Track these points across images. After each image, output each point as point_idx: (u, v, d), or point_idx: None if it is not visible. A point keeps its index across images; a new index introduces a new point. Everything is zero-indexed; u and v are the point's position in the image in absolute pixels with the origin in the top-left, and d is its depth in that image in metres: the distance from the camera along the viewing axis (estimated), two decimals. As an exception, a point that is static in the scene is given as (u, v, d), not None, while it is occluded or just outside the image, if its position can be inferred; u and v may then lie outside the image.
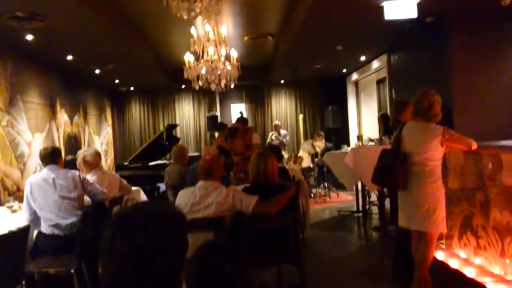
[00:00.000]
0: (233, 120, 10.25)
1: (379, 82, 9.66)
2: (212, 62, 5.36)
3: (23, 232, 3.50)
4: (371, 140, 6.88)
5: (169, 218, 1.06)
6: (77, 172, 3.84)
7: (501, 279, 3.11)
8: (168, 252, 1.00)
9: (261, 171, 3.40)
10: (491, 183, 3.27)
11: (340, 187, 8.69)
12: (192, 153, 9.32)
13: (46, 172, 3.68)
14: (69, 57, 6.96)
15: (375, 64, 8.85)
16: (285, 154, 9.22)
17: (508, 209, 3.05)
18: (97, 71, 8.14)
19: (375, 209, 6.65)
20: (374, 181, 3.53)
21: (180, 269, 1.05)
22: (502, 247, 3.13)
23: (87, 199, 3.89)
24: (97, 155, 4.59)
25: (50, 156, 3.75)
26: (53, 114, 7.51)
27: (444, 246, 3.93)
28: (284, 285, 3.70)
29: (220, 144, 7.74)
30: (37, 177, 3.70)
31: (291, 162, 8.67)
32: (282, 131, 9.98)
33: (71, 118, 8.34)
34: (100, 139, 10.05)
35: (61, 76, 7.96)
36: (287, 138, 10.04)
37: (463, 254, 3.68)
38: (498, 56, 5.52)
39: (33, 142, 6.66)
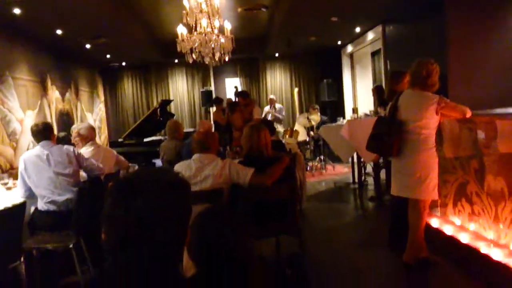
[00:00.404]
0: (228, 95, 10.20)
1: (374, 54, 9.58)
2: (205, 35, 5.26)
3: (19, 208, 3.49)
4: (366, 115, 6.87)
5: (171, 184, 1.04)
6: (71, 148, 3.80)
7: (495, 244, 3.16)
8: (170, 217, 0.99)
9: (254, 144, 3.41)
10: (485, 150, 3.28)
11: (336, 159, 8.73)
12: (187, 128, 9.29)
13: (39, 149, 3.63)
14: (59, 32, 6.82)
15: (370, 35, 8.75)
16: (281, 129, 9.22)
17: (502, 175, 3.07)
18: (88, 46, 7.99)
19: (370, 180, 6.71)
20: (368, 148, 3.54)
21: (183, 235, 1.03)
22: (496, 213, 3.17)
23: (83, 174, 3.87)
24: (91, 128, 4.56)
25: (42, 132, 3.68)
26: (44, 91, 7.41)
27: (439, 214, 3.98)
28: (283, 256, 3.75)
29: (215, 119, 7.72)
30: (31, 154, 3.65)
31: (287, 136, 8.66)
32: (277, 105, 9.92)
33: (62, 94, 8.23)
34: (93, 116, 9.96)
35: (51, 52, 7.82)
36: (283, 112, 9.98)
37: (457, 221, 3.72)
38: (494, 26, 5.47)
39: (24, 120, 6.59)
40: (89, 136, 4.35)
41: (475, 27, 5.43)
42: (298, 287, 3.26)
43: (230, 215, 1.46)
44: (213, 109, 11.00)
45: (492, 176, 3.19)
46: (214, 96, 10.87)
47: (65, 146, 3.75)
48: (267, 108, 9.90)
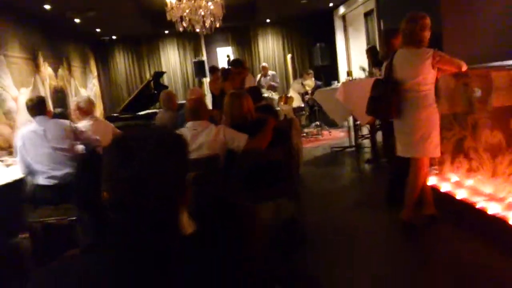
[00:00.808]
0: (221, 65, 10.07)
1: (367, 14, 9.42)
2: (194, 1, 5.16)
3: (19, 182, 3.50)
4: (363, 68, 6.80)
5: (168, 139, 1.04)
6: (67, 122, 3.78)
7: (492, 198, 3.20)
8: (168, 173, 1.00)
9: (236, 111, 3.40)
10: (481, 105, 3.29)
11: (331, 124, 8.74)
12: (181, 100, 9.22)
13: (35, 125, 3.60)
14: (46, 6, 6.65)
15: (363, -5, 8.59)
16: (276, 96, 9.17)
17: (499, 129, 3.09)
18: (77, 20, 7.83)
19: (367, 143, 6.74)
20: (368, 111, 3.54)
21: (182, 192, 1.04)
22: (494, 167, 3.21)
23: (80, 148, 3.86)
24: (90, 101, 4.53)
25: (36, 107, 3.64)
26: (36, 68, 7.30)
27: (436, 171, 4.02)
28: (281, 220, 3.80)
29: (210, 89, 7.64)
30: (27, 130, 3.63)
31: (282, 103, 8.63)
32: (270, 72, 9.81)
33: (55, 71, 8.12)
34: (86, 91, 9.86)
35: (41, 28, 7.66)
36: (277, 79, 9.88)
37: (455, 178, 3.76)
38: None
39: (19, 97, 6.52)
40: (88, 109, 4.33)
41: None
42: (296, 250, 3.33)
43: (223, 181, 1.47)
44: (206, 80, 10.92)
45: (489, 130, 3.21)
46: (206, 66, 10.76)
47: (61, 120, 3.73)
48: (259, 76, 9.80)
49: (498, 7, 5.28)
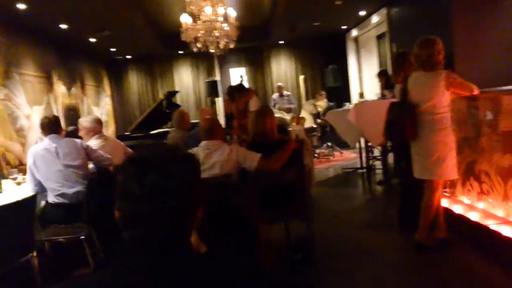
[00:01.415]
0: (233, 84, 10.16)
1: (379, 37, 9.48)
2: (210, 23, 5.25)
3: (30, 201, 3.52)
4: (361, 95, 6.80)
5: (181, 157, 1.06)
6: (79, 140, 3.83)
7: (504, 221, 3.15)
8: (183, 190, 1.01)
9: (259, 129, 3.41)
10: (491, 129, 3.26)
11: (343, 145, 8.71)
12: (193, 119, 9.29)
13: (47, 142, 3.65)
14: (63, 26, 6.84)
15: (375, 18, 8.66)
16: (288, 116, 9.18)
17: (510, 152, 3.05)
18: (92, 40, 8.01)
19: (378, 164, 6.69)
20: (386, 136, 3.55)
21: (196, 208, 1.06)
22: (505, 190, 3.16)
23: (90, 166, 3.90)
24: (96, 121, 4.55)
25: (51, 125, 3.70)
26: (50, 86, 7.45)
27: (448, 194, 3.97)
28: (293, 240, 3.77)
29: (225, 110, 7.74)
30: (39, 148, 3.67)
31: (294, 124, 8.65)
32: (286, 93, 9.82)
33: (68, 89, 8.28)
34: (99, 110, 10.01)
35: (56, 47, 7.85)
36: (294, 100, 9.84)
37: (467, 200, 3.71)
38: (499, 3, 5.38)
39: (31, 115, 6.64)
40: (92, 128, 4.34)
41: (480, 5, 5.35)
42: (307, 270, 3.29)
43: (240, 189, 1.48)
44: (219, 99, 11.02)
45: (500, 153, 3.18)
46: (219, 86, 10.87)
47: (73, 139, 3.78)
48: (275, 96, 9.83)
49: (508, 30, 5.29)
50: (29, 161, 3.63)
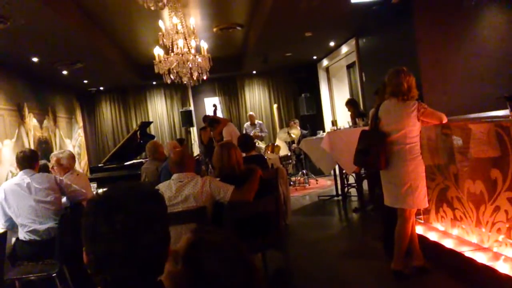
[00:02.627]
0: (208, 113, 10.21)
1: (349, 66, 9.77)
2: (182, 55, 5.29)
3: (0, 239, 3.40)
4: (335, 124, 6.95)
5: (147, 194, 1.08)
6: (53, 176, 3.75)
7: (478, 247, 3.21)
8: (152, 226, 1.02)
9: (225, 162, 3.46)
10: (462, 156, 3.37)
11: (318, 173, 8.80)
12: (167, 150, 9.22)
13: (20, 177, 3.58)
14: (34, 59, 6.75)
15: (344, 49, 8.93)
16: (262, 145, 9.26)
17: (481, 179, 3.15)
18: (65, 72, 7.93)
19: (353, 191, 6.77)
20: (356, 163, 3.58)
21: (166, 244, 1.05)
22: (477, 217, 3.24)
23: (64, 200, 3.81)
24: (72, 157, 4.53)
25: (27, 160, 3.65)
26: (21, 119, 7.29)
27: (422, 221, 4.03)
28: (270, 271, 3.73)
29: (203, 139, 7.80)
30: (11, 183, 3.60)
31: (269, 152, 8.71)
32: (257, 122, 9.96)
33: (40, 122, 8.11)
34: (72, 142, 9.82)
35: (27, 79, 7.72)
36: (265, 129, 10.01)
37: (441, 227, 3.78)
38: (463, 32, 5.62)
39: (2, 149, 6.46)
40: (68, 166, 4.32)
41: (444, 33, 5.58)
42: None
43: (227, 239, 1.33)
44: (193, 129, 11.01)
45: (471, 180, 3.27)
46: (194, 115, 10.88)
47: (47, 174, 3.71)
48: (246, 125, 9.93)
49: (473, 58, 5.54)
50: (0, 196, 3.53)
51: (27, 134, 7.39)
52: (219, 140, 6.69)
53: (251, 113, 10.18)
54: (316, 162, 6.98)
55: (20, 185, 3.51)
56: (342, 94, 10.38)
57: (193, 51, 5.53)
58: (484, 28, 5.55)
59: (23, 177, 3.56)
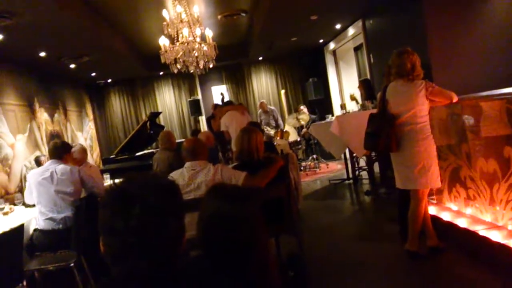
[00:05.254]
0: (215, 101, 10.21)
1: (357, 49, 9.66)
2: (187, 44, 5.28)
3: (17, 231, 3.48)
4: (354, 98, 6.84)
5: (162, 185, 1.07)
6: (77, 168, 3.84)
7: (492, 226, 3.20)
8: (168, 219, 1.02)
9: (245, 147, 3.41)
10: (474, 135, 3.33)
11: (328, 157, 8.78)
12: (178, 139, 9.27)
13: (46, 166, 3.74)
14: (42, 54, 6.79)
15: (351, 31, 8.83)
16: (272, 131, 9.24)
17: (494, 157, 3.12)
18: (72, 66, 7.97)
19: (365, 174, 6.76)
20: (366, 146, 3.56)
21: (182, 236, 1.06)
22: (491, 195, 3.21)
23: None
24: (83, 151, 4.65)
25: (54, 151, 3.81)
26: (32, 114, 7.37)
27: (435, 201, 4.02)
28: (283, 257, 3.75)
29: (213, 127, 7.77)
30: (37, 171, 3.77)
31: (278, 138, 8.70)
32: (269, 107, 9.85)
33: (51, 116, 8.19)
34: (83, 134, 9.92)
35: (37, 75, 7.79)
36: (277, 114, 9.84)
37: (454, 207, 3.76)
38: (472, 11, 5.54)
39: (16, 144, 6.55)
40: (81, 159, 4.46)
41: (453, 14, 5.50)
42: (299, 286, 3.27)
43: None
44: (202, 118, 11.02)
45: (484, 159, 3.24)
46: (202, 104, 10.89)
47: (72, 166, 3.80)
48: (260, 113, 9.81)
49: (482, 38, 5.45)
50: (27, 182, 3.75)
51: (38, 128, 7.47)
52: (217, 132, 6.64)
53: (262, 100, 10.12)
54: (326, 147, 6.95)
55: (44, 174, 3.65)
56: (350, 77, 10.29)
57: (198, 39, 5.52)
58: (494, 7, 5.45)
59: (49, 166, 3.70)
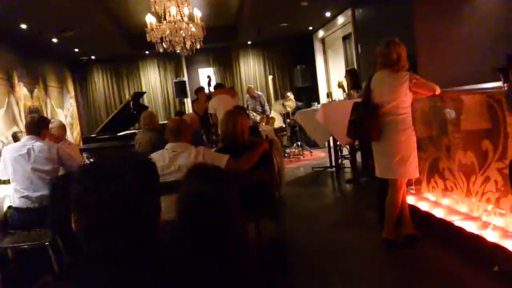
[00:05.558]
0: (202, 85, 10.10)
1: (345, 38, 9.64)
2: (175, 23, 5.18)
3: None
4: (341, 86, 6.81)
5: (138, 163, 1.04)
6: (56, 145, 3.74)
7: (468, 217, 3.26)
8: (142, 196, 0.99)
9: (229, 130, 3.38)
10: (454, 127, 3.37)
11: (313, 145, 8.81)
12: (161, 120, 9.17)
13: (23, 142, 3.60)
14: (23, 26, 6.59)
15: (340, 19, 8.79)
16: (258, 116, 9.20)
17: (472, 150, 3.16)
18: (55, 40, 7.76)
19: (347, 163, 6.80)
20: (349, 134, 3.57)
21: (157, 214, 1.03)
22: (468, 187, 3.27)
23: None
24: (62, 127, 4.51)
25: (32, 126, 3.64)
26: (11, 88, 7.17)
27: (414, 191, 4.07)
28: (264, 241, 3.76)
29: (196, 110, 7.70)
30: (13, 146, 3.63)
31: (263, 124, 8.67)
32: (257, 92, 9.82)
33: (30, 91, 7.98)
34: (64, 111, 9.73)
35: (16, 48, 7.55)
36: (264, 99, 9.81)
37: (432, 197, 3.82)
38: (458, 5, 5.56)
39: (-7, 119, 6.38)
40: (59, 136, 4.31)
41: (442, 7, 5.50)
42: (282, 272, 3.29)
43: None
44: (187, 100, 10.91)
45: (463, 151, 3.28)
46: (188, 86, 10.76)
47: (50, 143, 3.69)
48: (248, 98, 9.79)
49: (470, 32, 5.48)
50: (2, 157, 3.62)
51: (17, 103, 7.29)
52: (201, 116, 6.59)
53: (250, 86, 10.05)
54: (311, 134, 6.97)
55: (21, 150, 3.51)
56: (338, 66, 10.29)
57: (186, 19, 5.42)
58: (482, 1, 5.47)
59: (26, 142, 3.55)
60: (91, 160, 4.35)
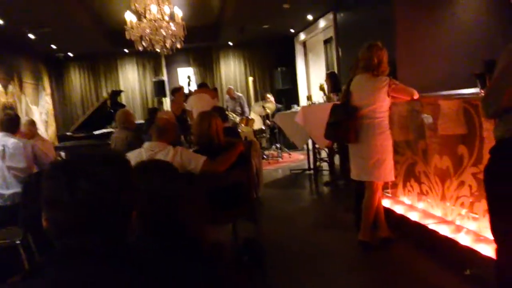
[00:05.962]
0: (182, 84, 10.02)
1: (326, 42, 9.71)
2: (155, 21, 5.12)
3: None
4: (322, 88, 6.83)
5: (111, 159, 1.01)
6: (31, 143, 3.65)
7: (442, 220, 3.31)
8: (115, 192, 0.96)
9: (204, 132, 3.37)
10: (431, 132, 3.42)
11: (291, 147, 8.84)
12: (139, 120, 9.05)
13: None
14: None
15: (322, 23, 8.86)
16: (237, 117, 9.18)
17: (448, 155, 3.21)
18: (31, 36, 7.57)
19: (325, 166, 6.85)
20: (327, 136, 3.60)
21: (130, 211, 1.01)
22: (443, 191, 3.32)
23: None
24: (30, 124, 4.44)
25: (8, 123, 3.58)
26: (-16, 83, 6.97)
27: (390, 195, 4.12)
28: (240, 241, 3.74)
29: (173, 110, 7.60)
30: None
31: (243, 125, 8.66)
32: (237, 94, 9.80)
33: (5, 87, 7.77)
34: (39, 108, 9.50)
35: (-9, 42, 7.35)
36: (245, 102, 9.81)
37: (407, 201, 3.87)
38: (440, 10, 5.65)
39: (-36, 114, 6.17)
40: (29, 132, 4.21)
41: (423, 12, 5.59)
42: (256, 272, 3.28)
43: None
44: (166, 99, 10.80)
45: (439, 156, 3.34)
46: (167, 86, 10.66)
47: (25, 141, 3.62)
48: (227, 99, 9.77)
49: (449, 38, 5.59)
50: None
51: (-10, 99, 7.09)
52: (178, 116, 6.53)
53: (230, 86, 10.02)
54: (290, 136, 6.99)
55: None
56: (319, 69, 10.36)
57: (166, 18, 5.36)
58: (461, 7, 5.59)
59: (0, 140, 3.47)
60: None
